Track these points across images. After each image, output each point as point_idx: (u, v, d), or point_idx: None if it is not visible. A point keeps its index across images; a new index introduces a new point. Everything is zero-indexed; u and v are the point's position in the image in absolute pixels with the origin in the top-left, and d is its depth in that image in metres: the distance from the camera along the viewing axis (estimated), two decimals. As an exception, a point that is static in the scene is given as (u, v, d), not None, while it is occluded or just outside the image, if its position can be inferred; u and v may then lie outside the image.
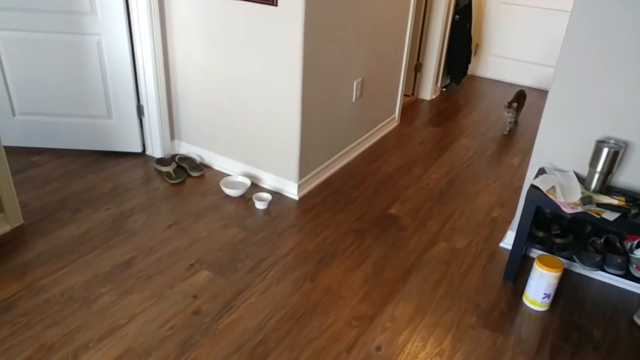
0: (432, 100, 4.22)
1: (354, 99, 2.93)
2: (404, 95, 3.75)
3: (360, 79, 2.93)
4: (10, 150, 2.83)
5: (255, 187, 2.74)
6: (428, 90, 4.21)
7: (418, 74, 4.17)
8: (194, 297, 1.96)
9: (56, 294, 1.92)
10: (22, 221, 2.31)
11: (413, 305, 2.01)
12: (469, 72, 4.84)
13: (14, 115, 2.78)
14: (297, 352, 1.75)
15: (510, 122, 3.56)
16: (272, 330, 1.83)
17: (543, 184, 2.01)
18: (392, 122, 3.63)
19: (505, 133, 3.55)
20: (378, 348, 1.80)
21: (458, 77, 4.37)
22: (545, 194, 1.95)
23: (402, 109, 3.82)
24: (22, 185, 2.57)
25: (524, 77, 4.66)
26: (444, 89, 4.48)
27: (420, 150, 3.32)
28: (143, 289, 1.97)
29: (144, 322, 1.83)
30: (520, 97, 3.67)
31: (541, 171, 2.12)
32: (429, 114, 3.94)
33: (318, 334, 1.83)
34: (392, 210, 2.62)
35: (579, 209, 1.88)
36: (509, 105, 3.52)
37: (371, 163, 3.10)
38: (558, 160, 2.13)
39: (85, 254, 2.14)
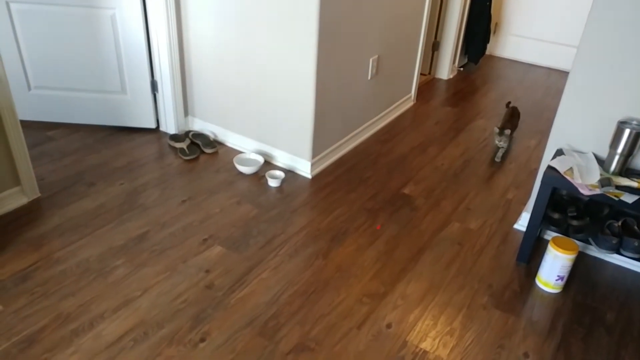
0: (449, 80, 4.15)
1: (369, 77, 2.88)
2: (421, 74, 3.68)
3: (376, 56, 2.88)
4: (27, 125, 2.86)
5: (268, 164, 2.73)
6: (445, 70, 4.13)
7: (435, 52, 4.09)
8: (207, 271, 1.97)
9: (72, 266, 1.95)
10: (39, 194, 2.34)
11: (425, 284, 2.00)
12: (487, 52, 4.74)
13: (29, 89, 2.79)
14: (309, 327, 1.76)
15: (502, 149, 2.94)
16: (283, 305, 1.85)
17: (561, 165, 1.97)
18: (408, 101, 3.58)
19: (498, 160, 2.91)
20: (389, 325, 1.80)
21: (476, 57, 4.28)
22: (563, 175, 1.92)
23: (419, 88, 3.76)
24: (38, 159, 2.60)
25: (543, 58, 4.55)
26: (462, 69, 4.39)
27: (436, 130, 3.28)
28: (157, 263, 2.00)
29: (157, 294, 1.85)
30: (512, 116, 3.11)
31: (559, 152, 2.08)
32: (445, 94, 3.87)
33: (329, 310, 1.84)
34: (406, 190, 2.60)
35: (597, 191, 1.85)
36: (501, 131, 2.86)
37: (386, 142, 3.07)
38: (577, 141, 2.09)
39: (100, 227, 2.17)
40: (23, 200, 2.27)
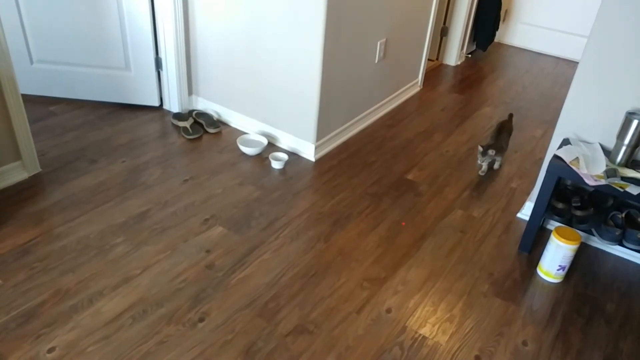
0: (456, 66, 4.10)
1: (376, 60, 2.84)
2: (428, 59, 3.64)
3: (384, 40, 2.83)
4: (29, 99, 2.83)
5: (271, 146, 2.71)
6: (453, 56, 4.08)
7: (444, 38, 4.03)
8: (208, 251, 1.97)
9: (72, 242, 1.95)
10: (40, 169, 2.32)
11: (426, 270, 1.99)
12: (495, 40, 4.68)
13: (31, 63, 2.76)
14: (308, 310, 1.76)
15: (483, 170, 2.64)
16: (283, 287, 1.84)
17: (566, 154, 1.95)
18: (415, 86, 3.54)
19: (497, 168, 2.69)
20: (388, 310, 1.80)
21: (484, 44, 4.22)
22: (568, 165, 1.89)
23: (426, 73, 3.71)
24: (39, 134, 2.58)
25: (552, 47, 4.48)
26: (469, 56, 4.34)
27: (441, 116, 3.24)
28: (157, 241, 1.99)
29: (157, 273, 1.85)
30: (501, 132, 2.69)
31: (565, 142, 2.06)
32: (452, 80, 3.83)
33: (329, 293, 1.84)
34: (410, 176, 2.58)
35: (603, 182, 1.82)
36: (484, 151, 2.52)
37: (391, 127, 3.04)
38: (584, 131, 2.06)
39: (101, 204, 2.16)
40: (24, 175, 2.26)
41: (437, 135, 3.00)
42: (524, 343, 1.73)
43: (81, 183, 2.27)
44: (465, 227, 2.26)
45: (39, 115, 2.74)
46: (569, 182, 2.19)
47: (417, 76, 3.52)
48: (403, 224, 1.95)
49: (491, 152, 2.52)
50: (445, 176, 2.61)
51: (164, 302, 1.73)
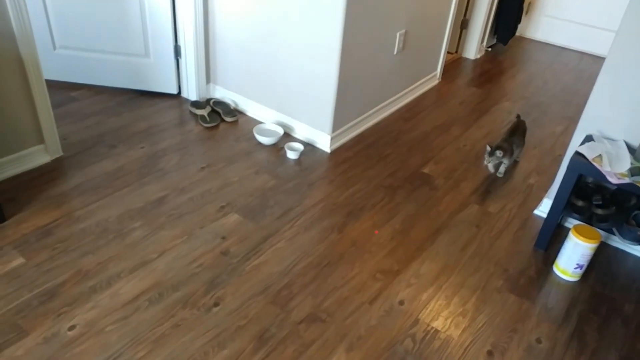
0: (476, 60, 4.05)
1: (395, 52, 2.82)
2: (447, 52, 3.59)
3: (403, 31, 2.81)
4: (51, 85, 2.88)
5: (287, 136, 2.71)
6: (473, 49, 4.03)
7: (464, 31, 3.98)
8: (223, 238, 1.99)
9: (92, 225, 1.98)
10: (62, 153, 2.37)
11: (439, 264, 1.99)
12: (517, 33, 4.60)
13: (54, 48, 2.80)
14: (321, 299, 1.77)
15: (499, 169, 2.55)
16: (297, 275, 1.86)
17: (589, 151, 1.92)
18: (433, 79, 3.50)
19: (500, 175, 2.56)
20: (401, 302, 1.80)
21: (505, 37, 4.16)
22: (591, 162, 1.86)
23: (444, 66, 3.68)
24: (61, 119, 2.62)
25: (576, 41, 4.39)
26: (490, 49, 4.28)
27: (460, 110, 3.21)
28: (174, 227, 2.02)
29: (173, 258, 1.87)
30: (514, 134, 2.57)
31: (588, 138, 2.02)
32: (471, 74, 3.78)
33: (342, 284, 1.84)
34: (426, 170, 2.57)
35: (626, 180, 1.79)
36: (492, 152, 2.43)
37: (408, 120, 3.02)
38: (608, 128, 2.02)
39: (120, 188, 2.19)
40: (46, 159, 2.30)
41: (455, 129, 2.98)
42: (538, 340, 1.71)
43: (101, 168, 2.31)
44: (481, 222, 2.24)
45: (61, 100, 2.78)
46: (589, 180, 2.16)
47: (435, 69, 3.49)
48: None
49: (499, 153, 2.41)
50: (461, 170, 2.59)
51: (180, 286, 1.76)
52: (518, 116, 2.73)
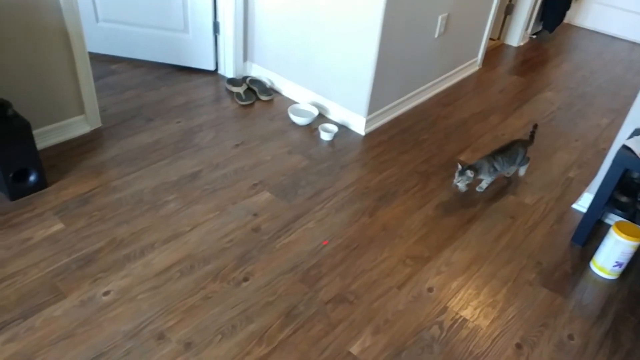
0: (519, 47, 3.91)
1: (436, 35, 2.75)
2: (489, 38, 3.48)
3: (446, 14, 2.73)
4: (92, 57, 2.92)
5: (322, 117, 2.70)
6: (516, 36, 3.89)
7: (508, 16, 3.84)
8: (255, 215, 2.00)
9: (127, 195, 2.03)
10: (101, 124, 2.42)
11: (471, 253, 1.95)
12: (565, 20, 4.41)
13: (97, 21, 2.85)
14: (349, 280, 1.77)
15: (461, 189, 2.23)
16: (326, 256, 1.86)
17: (637, 145, 1.83)
18: (473, 65, 3.41)
19: (481, 190, 2.28)
20: (430, 289, 1.78)
21: (552, 25, 4.00)
22: (639, 157, 1.78)
23: (486, 52, 3.57)
24: (101, 91, 2.67)
25: (628, 30, 4.18)
26: (534, 36, 4.12)
27: (499, 98, 3.12)
28: (207, 201, 2.04)
29: (206, 231, 1.90)
30: (503, 152, 2.23)
31: (637, 132, 1.93)
32: (513, 61, 3.66)
33: (371, 267, 1.84)
34: (462, 157, 2.51)
35: (675, 177, 1.71)
36: (462, 171, 2.12)
37: (445, 106, 2.96)
38: (659, 121, 1.93)
39: (156, 161, 2.23)
40: (86, 129, 2.36)
41: (494, 117, 2.90)
42: (570, 337, 1.67)
43: (138, 140, 2.35)
44: (516, 213, 2.19)
45: (101, 72, 2.84)
46: (635, 175, 2.07)
47: (476, 55, 3.39)
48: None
49: (470, 173, 2.10)
50: (499, 160, 2.52)
51: (211, 259, 1.79)
52: (535, 126, 2.43)
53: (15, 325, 1.50)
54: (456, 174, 2.16)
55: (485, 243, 2.01)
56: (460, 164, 2.15)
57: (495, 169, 2.22)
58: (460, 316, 1.70)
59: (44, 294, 1.60)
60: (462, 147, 2.59)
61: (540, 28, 4.12)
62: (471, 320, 1.69)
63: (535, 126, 2.44)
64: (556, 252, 2.00)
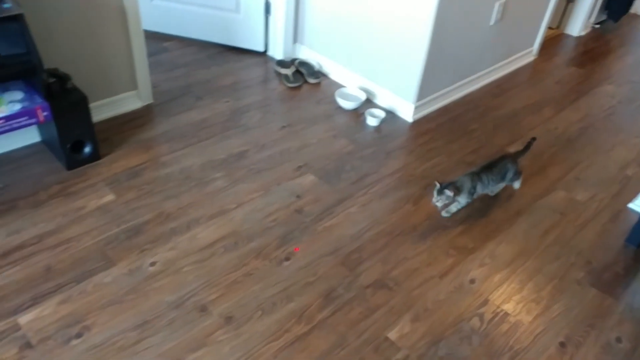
0: (579, 37, 3.72)
1: (492, 22, 2.65)
2: (548, 27, 3.33)
3: (503, 1, 2.63)
4: (146, 34, 2.97)
5: (369, 102, 2.67)
6: (577, 25, 3.70)
7: (570, 4, 3.65)
8: (298, 196, 2.02)
9: (175, 171, 2.09)
10: (152, 100, 2.49)
11: (517, 247, 1.90)
12: (631, 10, 4.16)
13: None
14: (390, 267, 1.76)
15: (443, 209, 2.00)
16: (368, 241, 1.85)
17: None
18: (529, 55, 3.28)
19: (448, 215, 2.00)
20: (472, 281, 1.75)
21: (617, 14, 3.78)
22: None
23: (543, 42, 3.42)
24: (153, 68, 2.74)
25: (700, 23, 3.90)
26: (597, 26, 3.91)
27: (555, 90, 2.99)
28: (253, 181, 2.07)
29: (250, 210, 1.93)
30: (489, 170, 1.99)
31: None
32: (572, 52, 3.49)
33: (413, 255, 1.82)
34: (511, 149, 2.43)
35: None
36: (441, 190, 1.90)
37: (497, 96, 2.86)
38: None
39: (204, 139, 2.28)
40: (138, 104, 2.43)
41: (547, 110, 2.78)
42: (618, 340, 1.61)
43: (187, 117, 2.40)
44: (566, 209, 2.10)
45: (153, 50, 2.90)
46: (700, 176, 1.94)
47: (533, 44, 3.25)
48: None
49: (449, 192, 1.89)
50: (550, 154, 2.43)
51: (255, 237, 1.82)
52: (533, 139, 2.19)
53: (69, 288, 1.58)
54: (434, 193, 1.92)
55: (532, 238, 1.95)
56: (438, 182, 1.92)
57: (475, 191, 1.95)
58: (502, 310, 1.66)
59: (95, 260, 1.68)
60: (512, 139, 2.51)
61: (604, 17, 3.91)
62: (513, 314, 1.65)
63: (534, 139, 2.18)
64: (608, 252, 1.92)
